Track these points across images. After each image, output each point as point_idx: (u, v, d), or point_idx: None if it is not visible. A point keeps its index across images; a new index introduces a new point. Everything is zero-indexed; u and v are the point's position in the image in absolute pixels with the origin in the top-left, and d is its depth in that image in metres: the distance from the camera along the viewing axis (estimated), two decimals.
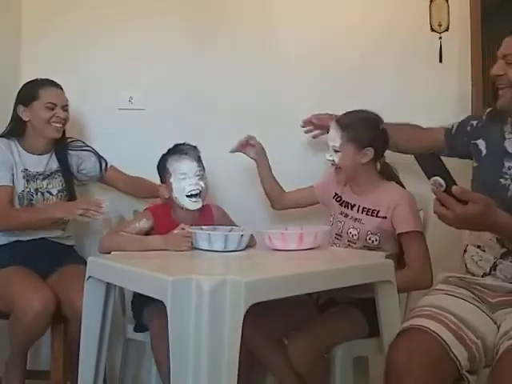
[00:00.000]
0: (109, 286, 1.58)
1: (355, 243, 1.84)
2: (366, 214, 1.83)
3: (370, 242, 1.81)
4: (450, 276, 1.62)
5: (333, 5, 2.39)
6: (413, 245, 1.77)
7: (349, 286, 1.50)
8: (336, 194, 1.95)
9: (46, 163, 2.05)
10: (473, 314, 1.45)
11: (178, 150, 1.91)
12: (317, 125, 2.18)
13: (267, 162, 2.11)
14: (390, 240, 1.82)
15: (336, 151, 1.82)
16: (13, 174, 1.96)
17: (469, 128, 1.69)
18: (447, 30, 2.39)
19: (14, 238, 1.98)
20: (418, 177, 1.39)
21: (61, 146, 2.10)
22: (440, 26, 2.40)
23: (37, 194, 2.01)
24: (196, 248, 1.69)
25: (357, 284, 1.51)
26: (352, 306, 1.79)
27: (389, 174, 1.89)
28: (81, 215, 1.83)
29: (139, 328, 1.91)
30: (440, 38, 2.39)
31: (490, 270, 1.53)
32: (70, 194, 2.09)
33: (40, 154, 2.05)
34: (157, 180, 2.03)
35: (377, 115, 1.87)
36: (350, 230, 1.85)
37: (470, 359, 1.36)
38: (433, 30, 2.40)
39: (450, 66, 2.39)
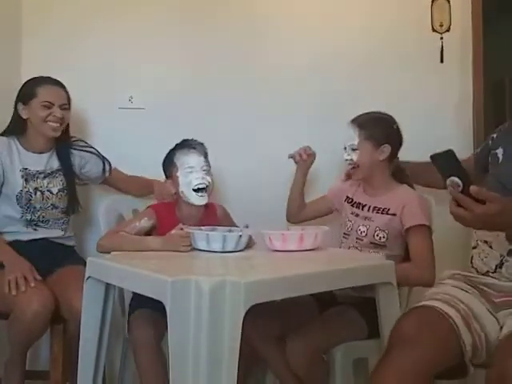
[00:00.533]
0: (108, 286, 1.58)
1: (362, 240, 1.87)
2: (377, 213, 1.88)
3: (378, 238, 1.84)
4: (455, 273, 1.62)
5: (334, 6, 2.40)
6: (418, 238, 1.79)
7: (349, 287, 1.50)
8: (347, 197, 2.00)
9: (46, 162, 2.04)
10: (480, 309, 1.46)
11: (186, 144, 1.93)
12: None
13: (307, 174, 2.15)
14: (398, 239, 1.85)
15: (354, 150, 1.88)
16: (0, 178, 1.95)
17: (490, 142, 1.74)
18: (448, 30, 2.40)
19: (14, 238, 1.97)
20: None
21: (63, 145, 2.08)
22: (441, 26, 2.41)
23: (36, 194, 1.99)
24: (195, 248, 1.69)
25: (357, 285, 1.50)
26: (351, 307, 1.79)
27: (401, 177, 1.94)
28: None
29: None
30: (441, 38, 2.40)
31: (496, 268, 1.52)
32: (70, 193, 2.07)
33: (40, 153, 2.04)
34: (156, 178, 2.04)
35: (389, 115, 1.93)
36: (360, 227, 1.89)
37: (474, 348, 1.37)
38: (434, 30, 2.41)
39: (451, 66, 2.40)
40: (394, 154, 1.90)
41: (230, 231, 1.74)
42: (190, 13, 2.37)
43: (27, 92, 1.99)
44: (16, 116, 2.01)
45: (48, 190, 2.02)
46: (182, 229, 1.70)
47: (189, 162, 1.89)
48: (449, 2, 2.40)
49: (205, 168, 1.90)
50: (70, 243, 2.12)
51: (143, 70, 2.37)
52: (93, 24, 2.35)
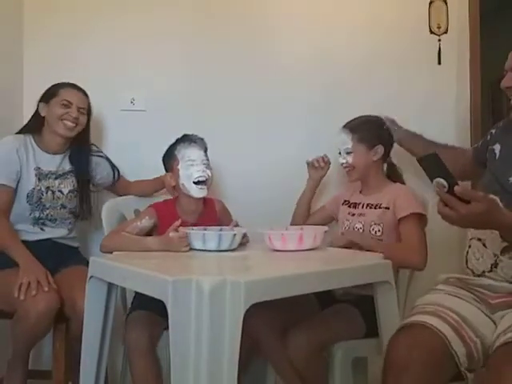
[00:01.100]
0: (110, 285, 1.60)
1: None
2: (370, 208, 1.94)
3: (374, 232, 1.89)
4: (449, 277, 1.63)
5: (333, 8, 2.41)
6: (408, 225, 1.84)
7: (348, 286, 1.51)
8: (345, 200, 2.07)
9: (59, 163, 2.06)
10: (473, 314, 1.46)
11: (187, 138, 1.96)
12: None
13: (318, 185, 2.21)
14: (393, 233, 1.88)
15: (348, 153, 1.96)
16: (18, 174, 1.97)
17: (489, 137, 1.76)
18: (446, 32, 2.41)
19: (21, 239, 1.97)
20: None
21: (78, 149, 2.10)
22: (439, 28, 2.42)
23: (47, 193, 2.02)
24: (191, 248, 1.72)
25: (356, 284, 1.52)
26: (350, 305, 1.81)
27: (395, 176, 2.02)
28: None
29: None
30: (439, 40, 2.41)
31: (491, 268, 1.53)
32: (81, 195, 2.10)
33: (54, 154, 2.06)
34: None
35: (378, 117, 2.01)
36: (356, 224, 1.94)
37: (469, 357, 1.37)
38: (432, 32, 2.41)
39: (449, 68, 2.41)
40: (386, 154, 1.99)
41: (221, 230, 1.78)
42: (191, 16, 2.39)
43: (50, 92, 2.03)
44: (36, 115, 2.05)
45: (59, 191, 2.05)
46: (176, 230, 1.72)
47: (190, 155, 1.92)
48: (446, 4, 2.41)
49: (205, 162, 1.94)
50: (75, 244, 2.15)
51: (144, 72, 2.38)
52: (94, 27, 2.36)
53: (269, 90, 2.40)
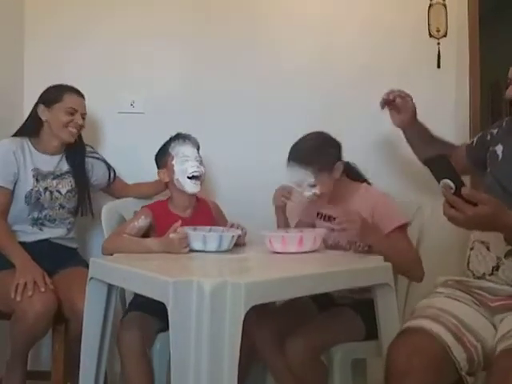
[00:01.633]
0: (110, 287, 1.60)
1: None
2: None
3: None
4: (448, 279, 1.63)
5: (332, 12, 2.42)
6: (398, 239, 1.76)
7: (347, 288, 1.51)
8: (318, 213, 1.96)
9: (56, 163, 2.07)
10: (473, 317, 1.46)
11: (180, 136, 2.01)
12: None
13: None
14: None
15: (313, 186, 1.83)
16: (15, 176, 1.97)
17: (489, 137, 1.73)
18: (445, 35, 2.42)
19: (19, 239, 1.97)
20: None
21: (74, 149, 2.10)
22: (438, 31, 2.43)
23: (45, 193, 2.01)
24: (190, 249, 1.72)
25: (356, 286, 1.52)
26: (349, 308, 1.80)
27: (355, 173, 1.93)
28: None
29: None
30: (438, 43, 2.42)
31: (493, 270, 1.52)
32: (79, 195, 2.10)
33: (52, 155, 2.06)
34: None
35: (317, 132, 1.89)
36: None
37: (469, 361, 1.37)
38: (431, 35, 2.42)
39: (448, 71, 2.42)
40: (343, 162, 1.87)
41: (210, 231, 1.80)
42: (190, 18, 2.39)
43: (52, 96, 2.02)
44: (33, 116, 2.03)
45: (57, 191, 2.05)
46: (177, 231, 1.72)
47: (184, 151, 1.97)
48: (445, 7, 2.42)
49: (198, 159, 1.99)
50: (73, 245, 2.14)
51: (143, 74, 2.38)
52: (94, 27, 2.37)
53: (268, 91, 2.40)
